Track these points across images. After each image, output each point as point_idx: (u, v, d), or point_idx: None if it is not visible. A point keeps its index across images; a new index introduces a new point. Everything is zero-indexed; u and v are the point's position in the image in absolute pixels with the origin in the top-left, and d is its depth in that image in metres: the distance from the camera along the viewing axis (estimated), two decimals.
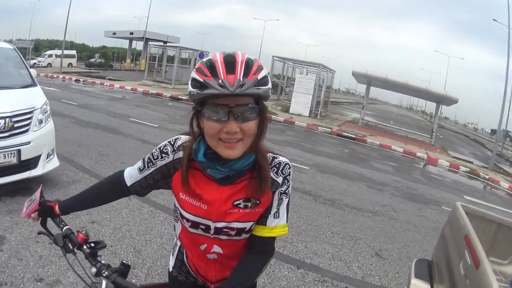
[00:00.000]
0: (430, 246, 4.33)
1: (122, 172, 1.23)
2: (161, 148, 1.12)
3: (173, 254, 1.33)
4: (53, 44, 51.52)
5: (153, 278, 2.82)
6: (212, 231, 1.10)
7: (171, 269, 1.33)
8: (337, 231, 4.48)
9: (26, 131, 3.78)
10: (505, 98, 15.29)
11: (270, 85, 0.97)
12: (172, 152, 1.10)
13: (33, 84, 4.43)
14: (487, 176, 11.90)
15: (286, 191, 1.11)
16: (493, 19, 18.19)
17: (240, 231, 1.10)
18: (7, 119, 3.58)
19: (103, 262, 1.12)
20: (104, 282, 1.09)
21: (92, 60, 42.35)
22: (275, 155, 1.10)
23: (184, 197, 1.10)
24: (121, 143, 7.01)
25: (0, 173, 3.54)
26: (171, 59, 24.02)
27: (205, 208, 1.07)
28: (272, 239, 1.13)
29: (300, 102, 17.60)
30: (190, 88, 0.95)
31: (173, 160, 1.10)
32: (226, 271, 1.18)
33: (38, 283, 2.50)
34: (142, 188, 1.18)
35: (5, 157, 3.54)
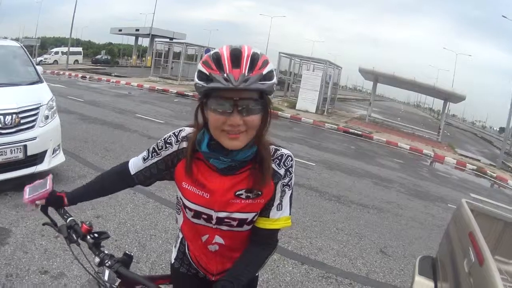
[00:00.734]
0: (436, 243, 4.28)
1: (127, 162, 1.25)
2: (166, 139, 1.14)
3: (175, 246, 1.35)
4: (59, 42, 51.68)
5: (157, 272, 2.84)
6: (214, 221, 1.11)
7: (173, 261, 1.34)
8: (342, 228, 4.47)
9: (32, 126, 3.82)
10: None
11: (275, 80, 0.98)
12: (176, 142, 1.12)
13: (39, 81, 4.47)
14: (494, 174, 11.76)
15: (289, 183, 1.12)
16: (503, 16, 17.94)
17: (241, 221, 1.10)
18: (14, 115, 3.63)
19: (106, 252, 1.13)
20: (107, 272, 1.10)
21: (98, 56, 42.42)
22: (277, 147, 1.11)
23: (186, 186, 1.11)
24: (127, 139, 7.05)
25: (6, 168, 3.59)
26: (177, 56, 23.98)
27: (208, 197, 1.08)
28: (276, 231, 1.14)
29: (307, 99, 17.48)
30: (196, 80, 0.97)
31: (176, 150, 1.12)
32: (228, 263, 1.19)
33: (43, 275, 2.54)
34: (145, 178, 1.20)
35: (11, 152, 3.58)
